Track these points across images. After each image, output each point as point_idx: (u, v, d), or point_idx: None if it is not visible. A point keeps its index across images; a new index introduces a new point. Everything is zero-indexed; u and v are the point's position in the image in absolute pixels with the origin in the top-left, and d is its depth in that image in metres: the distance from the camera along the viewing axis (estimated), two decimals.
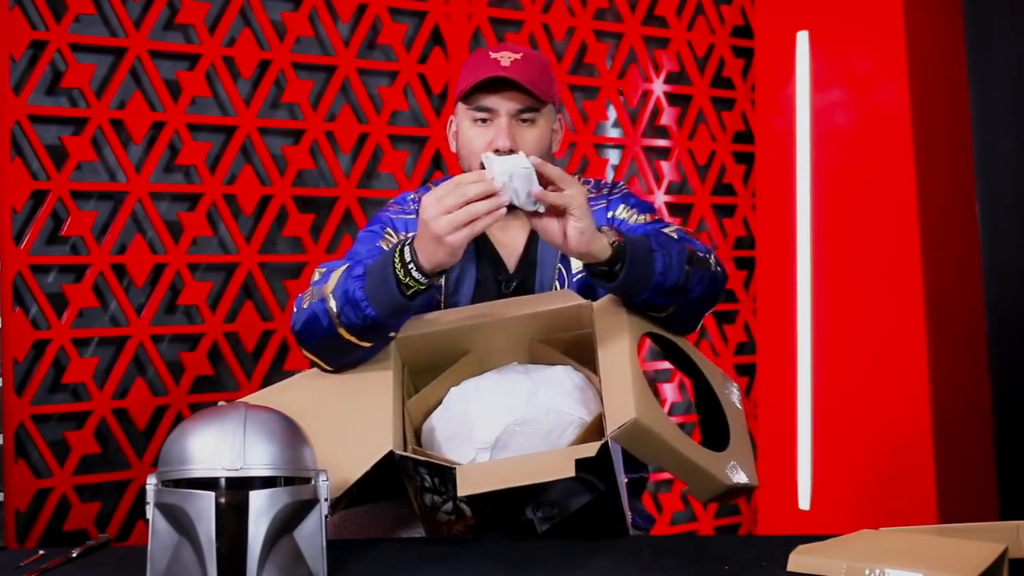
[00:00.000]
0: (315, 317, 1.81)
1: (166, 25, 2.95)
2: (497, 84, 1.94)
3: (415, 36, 3.26)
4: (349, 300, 1.76)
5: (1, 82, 2.68)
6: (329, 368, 1.88)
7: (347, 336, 1.80)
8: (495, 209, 1.67)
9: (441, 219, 1.66)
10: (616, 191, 2.08)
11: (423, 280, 1.72)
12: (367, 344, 1.81)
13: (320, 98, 3.13)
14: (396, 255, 1.73)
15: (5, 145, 2.68)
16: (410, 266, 1.71)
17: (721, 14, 3.78)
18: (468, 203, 1.66)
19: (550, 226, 1.72)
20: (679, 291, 1.81)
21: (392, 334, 1.83)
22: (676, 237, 1.87)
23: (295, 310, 1.87)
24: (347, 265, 1.84)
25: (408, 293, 1.73)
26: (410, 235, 1.75)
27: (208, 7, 2.97)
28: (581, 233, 1.71)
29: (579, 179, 2.11)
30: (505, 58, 1.95)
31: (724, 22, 3.78)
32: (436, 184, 2.11)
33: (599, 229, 1.76)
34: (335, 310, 1.78)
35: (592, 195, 2.07)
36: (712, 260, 1.89)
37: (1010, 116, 3.59)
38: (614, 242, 1.75)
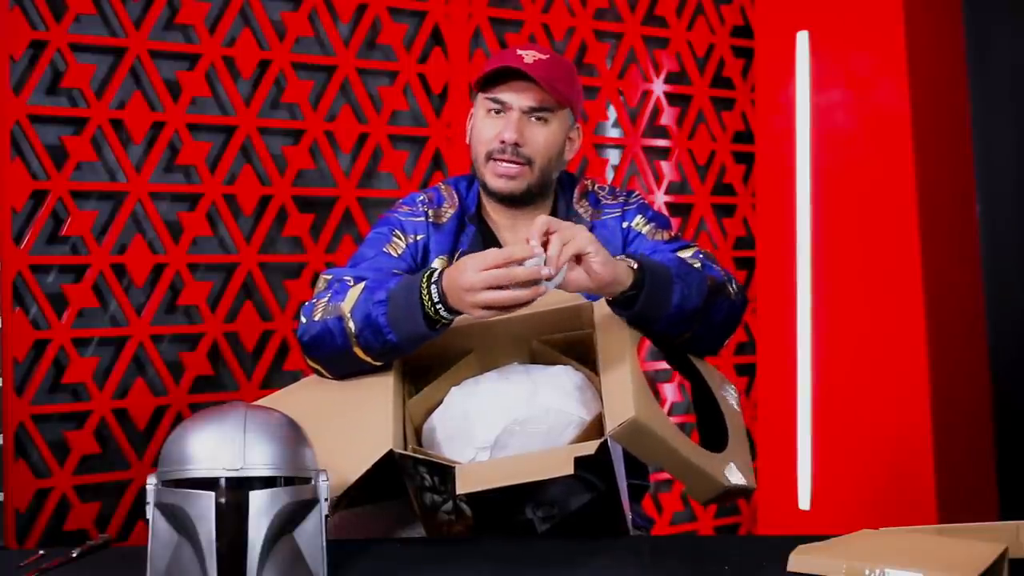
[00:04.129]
0: (329, 333, 1.82)
1: (166, 25, 2.94)
2: (513, 77, 1.94)
3: (415, 36, 3.26)
4: (370, 324, 1.77)
5: (1, 82, 2.68)
6: (331, 376, 1.90)
7: (363, 356, 1.81)
8: (536, 297, 1.66)
9: (484, 294, 1.65)
10: (632, 201, 2.07)
11: (449, 317, 1.74)
12: (379, 363, 1.83)
13: (320, 98, 3.13)
14: (424, 291, 1.73)
15: (5, 145, 2.68)
16: (439, 306, 1.72)
17: (721, 14, 3.78)
18: (515, 285, 1.65)
19: (572, 275, 1.70)
20: (696, 320, 1.82)
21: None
22: (698, 265, 1.87)
23: (303, 320, 1.87)
24: (364, 283, 1.84)
25: (437, 328, 1.75)
26: (436, 270, 1.74)
27: (208, 7, 2.97)
28: (603, 264, 1.70)
29: (592, 185, 2.10)
30: (530, 56, 1.96)
31: (724, 22, 3.78)
32: (446, 184, 2.11)
33: (617, 258, 1.75)
34: (354, 331, 1.79)
35: (608, 201, 2.07)
36: (732, 288, 1.90)
37: (1010, 116, 3.59)
38: (634, 267, 1.75)
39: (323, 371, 1.89)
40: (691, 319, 1.81)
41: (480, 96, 2.00)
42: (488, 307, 1.66)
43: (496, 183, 1.98)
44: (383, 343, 1.77)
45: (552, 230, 1.68)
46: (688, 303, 1.79)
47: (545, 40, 3.45)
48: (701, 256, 1.92)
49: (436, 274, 1.73)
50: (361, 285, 1.83)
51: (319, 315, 1.84)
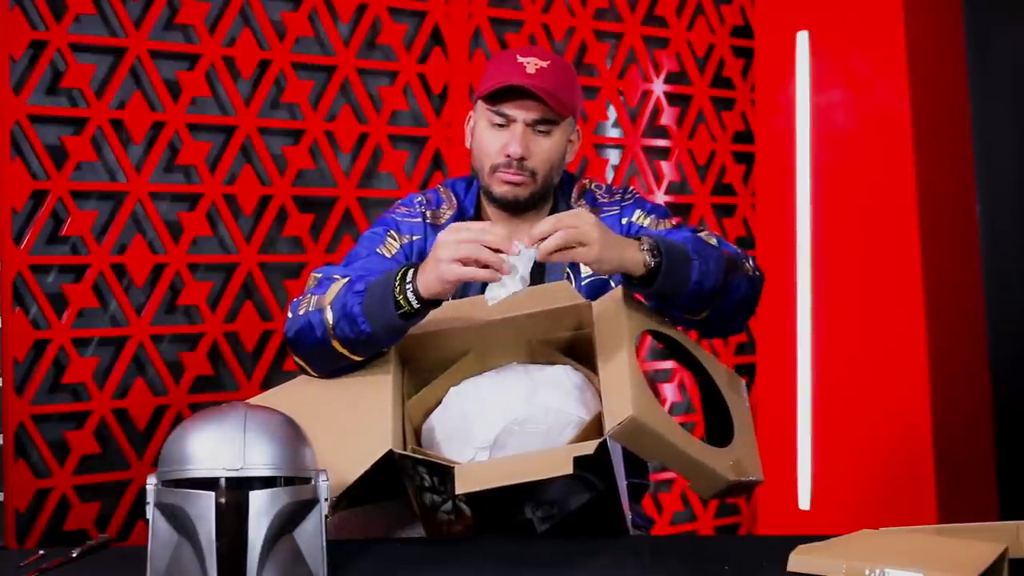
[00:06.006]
0: (310, 326, 1.83)
1: (166, 25, 2.94)
2: (518, 92, 1.95)
3: (415, 36, 3.26)
4: (346, 314, 1.78)
5: (1, 82, 2.68)
6: (316, 374, 1.90)
7: (340, 349, 1.81)
8: (496, 266, 1.68)
9: (451, 244, 1.68)
10: (628, 197, 2.09)
11: (415, 303, 1.73)
12: (358, 358, 1.84)
13: (320, 98, 3.13)
14: (398, 276, 1.74)
15: (5, 145, 2.68)
16: (408, 287, 1.73)
17: (721, 14, 3.78)
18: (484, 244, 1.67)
19: (572, 253, 1.73)
20: (715, 296, 1.83)
21: (384, 350, 1.85)
22: (714, 242, 1.88)
23: (289, 315, 1.88)
24: (348, 278, 1.85)
25: (400, 312, 1.74)
26: (416, 264, 1.76)
27: (208, 7, 2.97)
28: (599, 257, 1.72)
29: (590, 184, 2.11)
30: (532, 64, 1.96)
31: (724, 22, 3.78)
32: (444, 186, 2.12)
33: (637, 238, 1.77)
34: (331, 322, 1.80)
35: (605, 200, 2.08)
36: (749, 264, 1.91)
37: (1010, 116, 3.59)
38: (650, 248, 1.76)
39: (307, 368, 1.90)
40: (710, 296, 1.82)
41: (483, 106, 2.00)
42: (454, 259, 1.67)
43: (501, 189, 2.00)
44: (357, 333, 1.78)
45: (557, 227, 1.70)
46: (707, 280, 1.80)
47: (545, 40, 3.45)
48: (716, 236, 1.93)
49: (416, 265, 1.75)
50: (346, 279, 1.85)
51: (303, 310, 1.86)
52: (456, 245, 1.68)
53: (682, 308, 1.84)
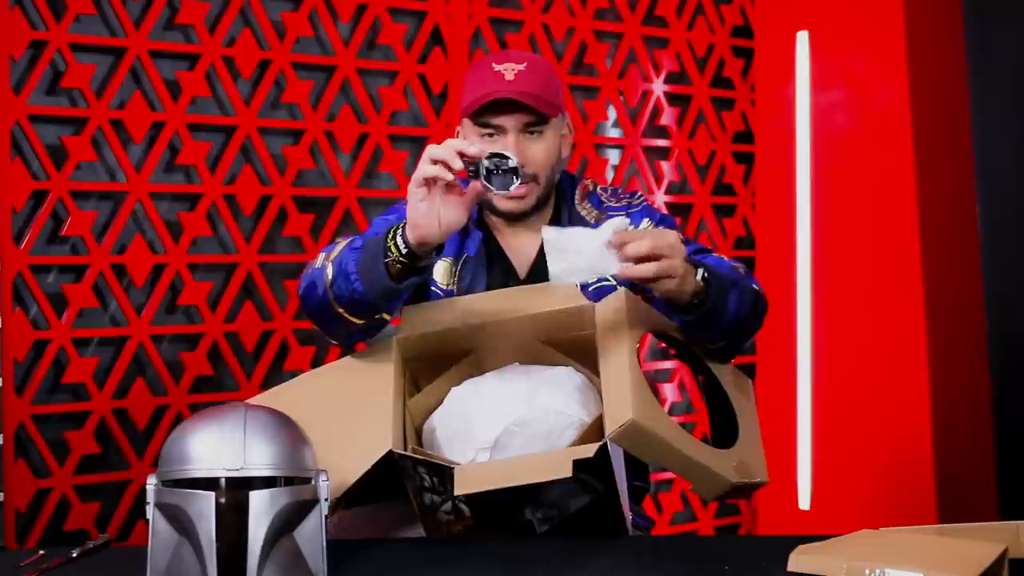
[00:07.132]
0: (313, 284, 1.83)
1: (166, 25, 2.95)
2: (502, 102, 1.92)
3: (415, 36, 3.26)
4: (342, 271, 1.77)
5: (1, 82, 2.68)
6: (331, 341, 1.90)
7: (337, 308, 1.80)
8: (449, 172, 1.67)
9: (414, 179, 1.69)
10: (636, 203, 2.06)
11: (403, 248, 1.71)
12: (358, 321, 1.82)
13: (320, 98, 3.13)
14: (391, 229, 1.74)
15: (5, 145, 2.68)
16: (397, 235, 1.72)
17: (721, 14, 3.78)
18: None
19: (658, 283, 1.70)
20: (739, 327, 1.82)
21: (385, 316, 1.84)
22: (743, 272, 1.87)
23: (304, 273, 1.88)
24: (354, 238, 1.85)
25: (399, 279, 1.72)
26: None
27: (208, 7, 2.97)
28: (666, 295, 1.71)
29: (593, 186, 2.09)
30: (509, 71, 1.93)
31: (724, 22, 3.78)
32: None
33: (692, 261, 1.74)
34: (329, 279, 1.79)
35: (611, 203, 2.06)
36: (757, 287, 1.89)
37: (1010, 116, 3.59)
38: (701, 284, 1.73)
39: (321, 332, 1.89)
40: (737, 328, 1.82)
41: (469, 123, 1.97)
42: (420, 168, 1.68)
43: (507, 205, 1.98)
44: (351, 292, 1.76)
45: (655, 252, 1.66)
46: (741, 312, 1.79)
47: (545, 40, 3.45)
48: (744, 268, 1.91)
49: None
50: (350, 239, 1.85)
51: (310, 268, 1.86)
52: (417, 174, 1.68)
53: (710, 338, 1.83)
